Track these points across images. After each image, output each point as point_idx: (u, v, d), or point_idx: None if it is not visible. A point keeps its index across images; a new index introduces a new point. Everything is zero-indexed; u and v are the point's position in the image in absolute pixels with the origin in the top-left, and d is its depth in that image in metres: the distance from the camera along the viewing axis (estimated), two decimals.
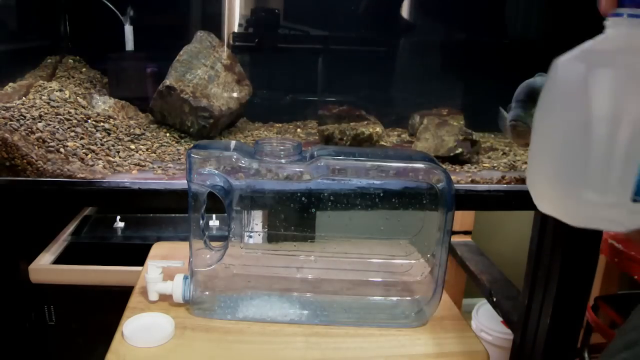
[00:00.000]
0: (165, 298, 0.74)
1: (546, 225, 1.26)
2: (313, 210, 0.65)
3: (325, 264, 0.70)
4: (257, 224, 0.75)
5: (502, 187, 1.05)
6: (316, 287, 0.70)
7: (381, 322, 0.69)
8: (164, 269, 0.74)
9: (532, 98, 0.89)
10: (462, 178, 1.05)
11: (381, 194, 0.63)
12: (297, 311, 0.69)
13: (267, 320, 0.70)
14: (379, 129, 1.24)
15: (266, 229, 0.70)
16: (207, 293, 0.71)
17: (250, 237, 0.69)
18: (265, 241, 0.73)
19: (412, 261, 0.67)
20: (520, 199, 1.06)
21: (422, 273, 0.67)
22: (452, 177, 1.07)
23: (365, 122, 1.13)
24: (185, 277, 0.71)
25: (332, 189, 0.64)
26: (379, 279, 0.70)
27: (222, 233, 1.33)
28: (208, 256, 0.70)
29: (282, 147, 0.63)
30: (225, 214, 0.67)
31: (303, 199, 0.64)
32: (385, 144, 1.24)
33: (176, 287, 0.71)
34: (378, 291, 0.71)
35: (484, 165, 1.15)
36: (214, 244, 0.71)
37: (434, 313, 0.69)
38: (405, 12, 1.41)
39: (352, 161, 0.62)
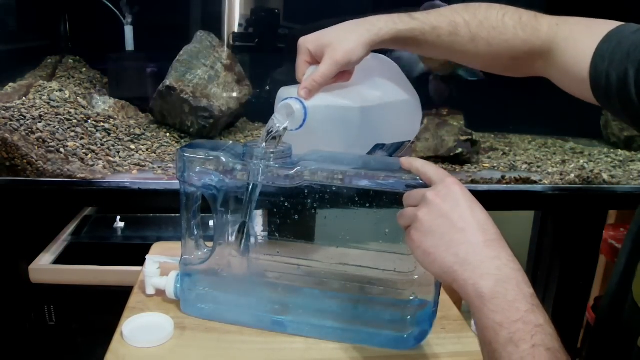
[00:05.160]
0: (162, 295, 0.74)
1: (546, 225, 1.26)
2: (296, 216, 0.65)
3: (314, 272, 0.69)
4: (246, 226, 0.75)
5: (502, 187, 1.05)
6: (304, 296, 0.69)
7: (368, 340, 0.67)
8: (161, 264, 0.74)
9: None
10: (462, 178, 1.05)
11: (373, 199, 0.62)
12: (284, 321, 0.68)
13: (254, 327, 0.69)
14: None
15: (253, 232, 0.69)
16: (196, 292, 0.70)
17: (239, 239, 0.68)
18: (254, 244, 0.72)
19: (409, 278, 0.65)
20: (520, 199, 1.06)
21: (413, 294, 0.65)
22: None
23: None
24: (178, 275, 0.71)
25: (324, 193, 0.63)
26: (367, 295, 0.68)
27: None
28: (199, 254, 0.70)
29: (271, 150, 0.63)
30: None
31: (292, 201, 0.64)
32: None
33: (169, 283, 0.71)
34: (365, 307, 0.68)
35: (484, 165, 1.15)
36: (209, 243, 0.71)
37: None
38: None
39: (336, 168, 0.61)
